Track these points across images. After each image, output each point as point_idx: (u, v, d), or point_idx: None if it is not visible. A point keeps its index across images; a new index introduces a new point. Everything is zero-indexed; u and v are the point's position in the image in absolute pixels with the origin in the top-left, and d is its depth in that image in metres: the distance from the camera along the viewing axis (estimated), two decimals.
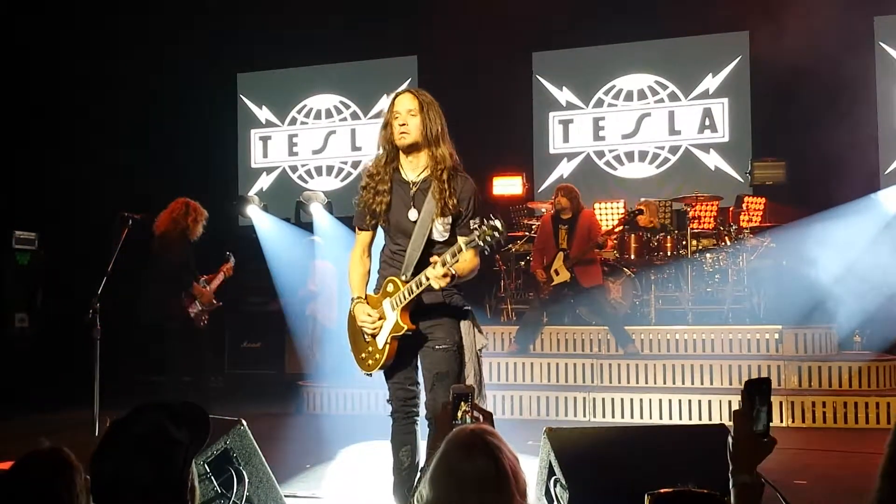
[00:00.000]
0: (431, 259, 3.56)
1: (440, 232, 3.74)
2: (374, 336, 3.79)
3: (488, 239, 3.39)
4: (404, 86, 12.14)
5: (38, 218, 10.70)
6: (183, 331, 7.17)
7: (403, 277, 3.71)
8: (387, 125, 3.76)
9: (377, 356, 3.78)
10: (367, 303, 3.82)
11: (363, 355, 3.87)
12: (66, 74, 11.13)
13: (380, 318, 3.74)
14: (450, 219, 3.72)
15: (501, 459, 2.06)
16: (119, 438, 1.88)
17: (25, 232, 10.59)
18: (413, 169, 3.79)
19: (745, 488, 1.97)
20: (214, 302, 7.32)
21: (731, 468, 2.02)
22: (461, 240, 3.48)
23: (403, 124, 3.68)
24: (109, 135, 11.43)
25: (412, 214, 3.75)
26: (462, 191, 3.73)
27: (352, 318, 3.92)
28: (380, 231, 3.98)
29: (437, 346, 3.78)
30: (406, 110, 3.69)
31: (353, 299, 3.86)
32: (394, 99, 3.76)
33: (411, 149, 3.74)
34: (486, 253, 3.55)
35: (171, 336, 7.23)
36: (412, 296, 3.64)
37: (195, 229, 7.23)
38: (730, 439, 2.04)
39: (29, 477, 2.11)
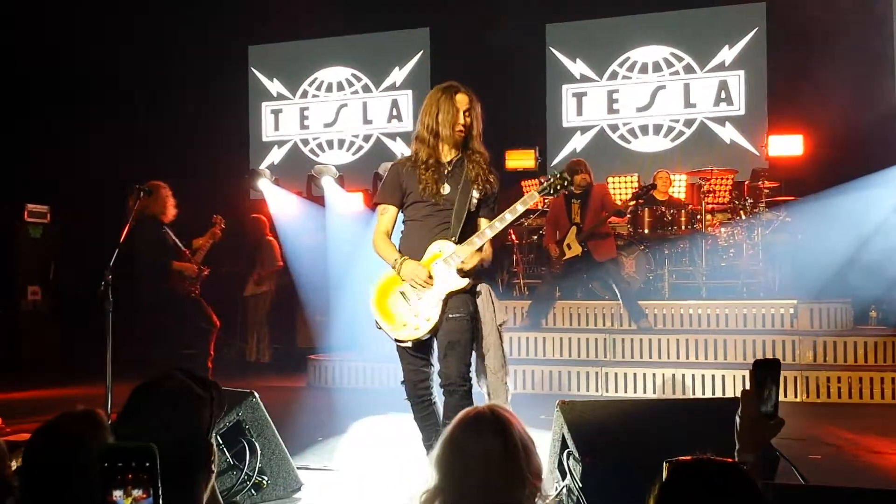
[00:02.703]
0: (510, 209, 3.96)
1: (474, 203, 4.06)
2: (422, 294, 3.92)
3: (558, 187, 4.10)
4: (417, 58, 12.10)
5: (50, 191, 10.72)
6: (173, 306, 7.31)
7: (453, 239, 3.95)
8: (443, 113, 4.01)
9: (428, 318, 3.92)
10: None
11: (406, 322, 3.96)
12: (78, 49, 11.09)
13: (429, 276, 3.91)
14: (479, 194, 4.05)
15: (511, 435, 1.95)
16: (148, 397, 1.94)
17: (38, 205, 10.61)
18: (447, 153, 4.09)
19: (748, 468, 1.92)
20: (201, 270, 7.40)
21: (736, 447, 1.98)
22: (534, 190, 4.05)
23: (464, 124, 4.02)
24: (121, 107, 11.42)
25: (445, 189, 4.04)
26: (495, 180, 4.13)
27: (385, 287, 4.04)
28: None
29: (450, 315, 3.91)
30: (465, 110, 4.03)
31: (395, 261, 3.98)
32: (452, 95, 4.03)
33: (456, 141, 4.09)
34: (552, 195, 4.35)
35: (162, 313, 7.43)
36: (474, 248, 3.91)
37: (164, 211, 7.26)
38: (737, 419, 1.99)
39: (62, 437, 2.11)
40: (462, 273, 3.92)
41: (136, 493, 1.50)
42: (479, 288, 4.04)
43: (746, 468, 1.90)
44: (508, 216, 3.96)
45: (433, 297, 3.91)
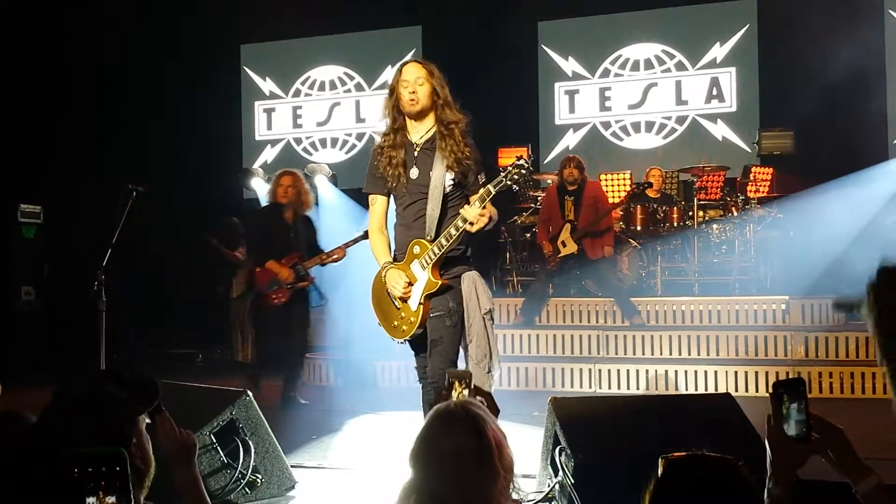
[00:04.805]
0: (462, 210, 3.75)
1: (450, 186, 3.91)
2: (405, 300, 3.90)
3: (515, 177, 3.69)
4: (409, 55, 12.08)
5: (43, 191, 10.70)
6: (249, 306, 7.03)
7: (428, 237, 3.87)
8: (393, 93, 3.95)
9: (412, 319, 3.90)
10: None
11: (395, 323, 3.96)
12: (69, 47, 11.06)
13: (409, 283, 3.87)
14: (455, 175, 3.90)
15: (485, 433, 1.98)
16: (61, 401, 1.93)
17: (31, 205, 10.59)
18: (418, 131, 3.98)
19: (776, 502, 1.82)
20: (298, 278, 6.83)
21: (767, 485, 1.84)
22: (489, 185, 3.71)
23: (413, 92, 3.87)
24: (113, 107, 11.40)
25: (414, 173, 3.94)
26: (472, 150, 3.94)
27: (378, 289, 4.04)
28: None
29: (432, 315, 3.90)
30: (414, 79, 3.88)
31: (382, 266, 3.97)
32: (401, 68, 3.95)
33: (419, 114, 3.94)
34: (515, 190, 3.85)
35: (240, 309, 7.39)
36: (443, 251, 3.81)
37: (295, 203, 6.89)
38: (766, 446, 1.88)
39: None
40: (436, 274, 3.86)
41: (109, 499, 1.53)
42: (463, 276, 3.95)
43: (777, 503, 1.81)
44: (463, 214, 3.75)
45: (414, 300, 3.89)
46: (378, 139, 4.08)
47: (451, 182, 3.90)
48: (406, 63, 3.97)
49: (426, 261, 3.84)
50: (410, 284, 3.87)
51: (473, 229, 3.73)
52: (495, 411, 2.63)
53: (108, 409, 1.90)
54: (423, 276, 3.86)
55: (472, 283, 3.94)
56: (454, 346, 3.91)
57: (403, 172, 3.92)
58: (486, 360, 3.92)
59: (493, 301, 4.05)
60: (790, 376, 6.96)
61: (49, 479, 1.67)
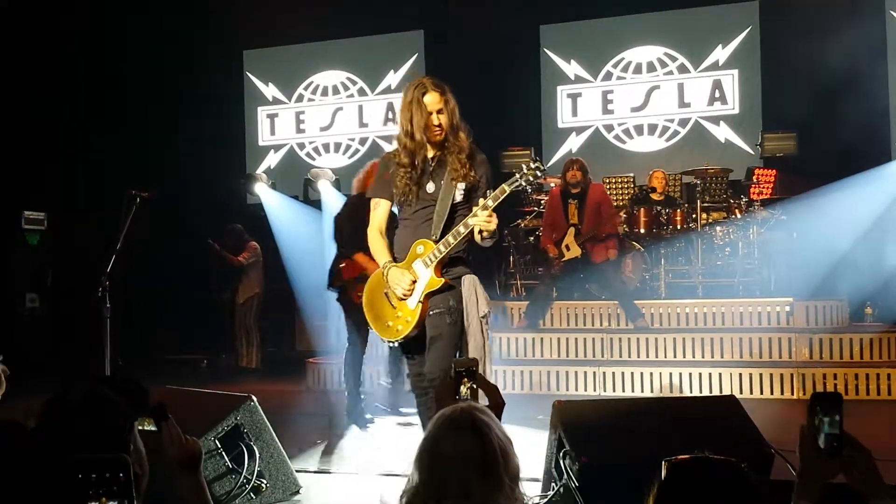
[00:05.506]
0: (471, 214, 3.79)
1: (460, 196, 3.98)
2: (404, 299, 3.91)
3: (531, 178, 3.79)
4: (411, 61, 12.11)
5: (46, 197, 10.72)
6: (341, 300, 6.47)
7: (433, 238, 3.90)
8: (416, 116, 3.92)
9: (408, 318, 3.92)
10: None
11: (389, 322, 3.98)
12: (73, 54, 11.09)
13: (413, 282, 3.90)
14: (465, 185, 3.97)
15: (489, 439, 1.96)
16: (59, 406, 1.93)
17: (34, 212, 10.61)
18: (432, 147, 4.03)
19: None
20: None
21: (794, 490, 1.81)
22: (504, 185, 3.75)
23: (439, 125, 3.93)
24: (116, 113, 11.43)
25: (430, 187, 4.00)
26: (477, 163, 4.02)
27: (373, 289, 4.07)
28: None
29: (431, 312, 3.92)
30: (437, 110, 3.93)
31: (383, 266, 3.99)
32: (421, 95, 3.93)
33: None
34: (528, 191, 3.77)
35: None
36: (449, 249, 3.85)
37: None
38: (798, 457, 1.85)
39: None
40: (438, 272, 3.90)
41: None
42: (464, 278, 3.97)
43: None
44: (472, 221, 3.80)
45: (413, 298, 3.91)
46: (397, 154, 4.05)
47: (462, 193, 3.97)
48: (425, 90, 3.92)
49: (430, 259, 3.87)
50: (414, 283, 3.89)
51: (487, 230, 3.75)
52: (501, 403, 2.63)
53: (103, 410, 1.90)
54: (425, 274, 3.89)
55: (472, 285, 3.97)
56: (454, 344, 3.93)
57: (416, 189, 3.98)
58: (482, 364, 3.90)
59: (495, 305, 4.06)
60: (794, 378, 7.03)
61: (50, 485, 1.67)
